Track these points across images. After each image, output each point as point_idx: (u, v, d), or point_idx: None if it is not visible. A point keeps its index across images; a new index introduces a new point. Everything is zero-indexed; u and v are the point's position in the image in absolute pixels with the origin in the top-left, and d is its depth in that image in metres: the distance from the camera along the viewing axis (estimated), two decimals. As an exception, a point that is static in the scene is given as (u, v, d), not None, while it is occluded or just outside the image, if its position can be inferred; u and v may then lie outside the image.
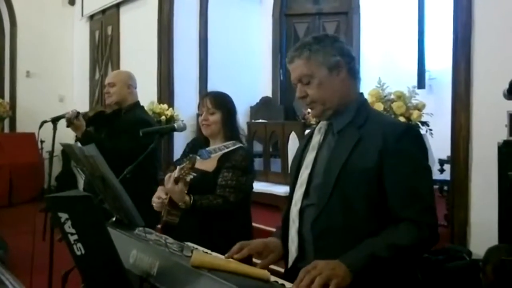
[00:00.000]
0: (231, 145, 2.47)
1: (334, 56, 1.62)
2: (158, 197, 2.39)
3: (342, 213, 1.53)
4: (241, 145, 2.50)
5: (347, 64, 1.65)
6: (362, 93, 1.73)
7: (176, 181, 2.18)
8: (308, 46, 1.63)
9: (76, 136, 3.15)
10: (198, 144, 2.60)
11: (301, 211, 1.63)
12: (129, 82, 3.34)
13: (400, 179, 1.49)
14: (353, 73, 1.67)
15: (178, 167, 2.22)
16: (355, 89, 1.69)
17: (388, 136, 1.53)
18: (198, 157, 2.21)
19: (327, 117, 1.67)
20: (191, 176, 2.17)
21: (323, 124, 1.71)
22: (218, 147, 2.45)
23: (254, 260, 1.74)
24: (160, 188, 2.45)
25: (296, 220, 1.64)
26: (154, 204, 2.40)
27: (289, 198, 1.73)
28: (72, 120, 3.08)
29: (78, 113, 3.13)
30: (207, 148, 2.46)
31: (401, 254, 1.44)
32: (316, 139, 1.71)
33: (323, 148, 1.67)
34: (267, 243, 1.68)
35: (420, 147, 1.58)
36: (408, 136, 1.55)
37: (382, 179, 1.51)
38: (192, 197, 2.24)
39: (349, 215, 1.52)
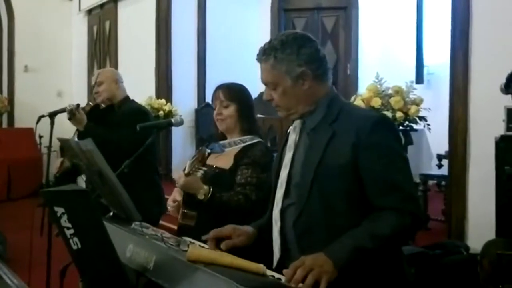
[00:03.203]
0: (249, 140, 2.26)
1: (299, 66, 1.58)
2: (174, 200, 2.27)
3: (322, 211, 1.53)
4: (260, 140, 2.30)
5: (313, 72, 1.60)
6: (332, 87, 1.68)
7: (187, 176, 2.08)
8: (273, 53, 1.59)
9: (77, 130, 3.09)
10: (215, 142, 2.35)
11: (282, 211, 1.63)
12: (116, 77, 3.32)
13: (377, 171, 1.49)
14: (321, 77, 1.63)
15: (188, 161, 2.13)
16: (324, 88, 1.64)
17: (361, 129, 1.51)
18: (208, 150, 2.09)
19: (294, 119, 1.67)
20: (202, 171, 2.07)
21: (297, 123, 1.69)
22: (234, 141, 2.25)
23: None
24: (175, 190, 2.33)
25: (278, 221, 1.64)
26: (169, 207, 2.29)
27: (271, 199, 1.72)
28: (74, 112, 3.00)
29: (78, 104, 3.07)
30: (221, 142, 2.26)
31: (385, 243, 1.45)
32: (292, 138, 1.69)
33: (299, 147, 1.66)
34: (235, 228, 1.69)
35: (394, 137, 1.57)
36: (380, 127, 1.53)
37: (359, 173, 1.51)
38: (211, 188, 2.10)
39: (330, 212, 1.52)
